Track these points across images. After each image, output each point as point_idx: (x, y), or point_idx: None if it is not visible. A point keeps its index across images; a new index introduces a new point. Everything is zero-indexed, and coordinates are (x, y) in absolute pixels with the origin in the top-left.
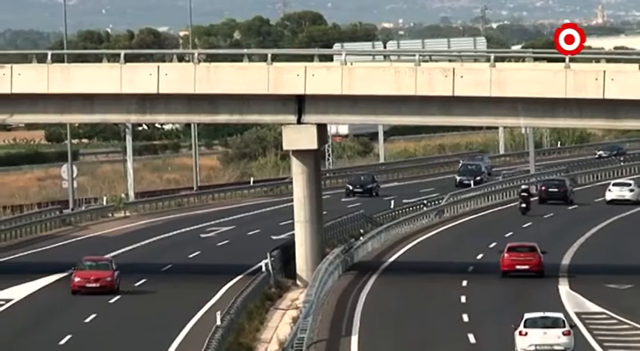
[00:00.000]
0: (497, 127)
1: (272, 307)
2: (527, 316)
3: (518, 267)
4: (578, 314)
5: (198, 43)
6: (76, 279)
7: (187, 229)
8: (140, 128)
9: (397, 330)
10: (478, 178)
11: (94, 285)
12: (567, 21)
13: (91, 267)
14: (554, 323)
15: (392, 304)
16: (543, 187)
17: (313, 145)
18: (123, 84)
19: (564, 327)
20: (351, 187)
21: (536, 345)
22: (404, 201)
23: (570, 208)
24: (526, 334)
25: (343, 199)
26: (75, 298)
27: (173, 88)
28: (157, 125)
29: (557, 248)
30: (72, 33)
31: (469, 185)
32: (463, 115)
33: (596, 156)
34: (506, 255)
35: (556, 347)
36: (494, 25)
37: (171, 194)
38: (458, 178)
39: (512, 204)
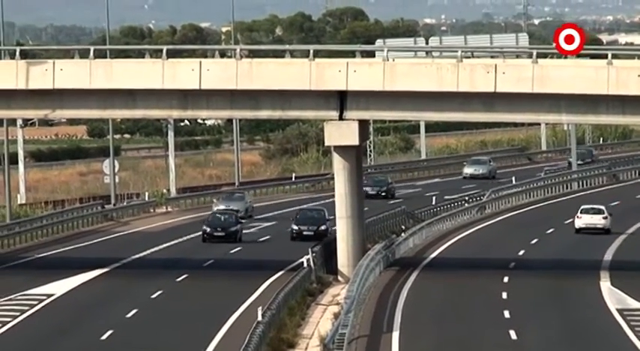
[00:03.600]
0: (539, 123)
1: (313, 302)
2: (582, 207)
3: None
4: (619, 311)
5: (241, 39)
6: None
7: None
8: (182, 124)
9: (438, 326)
10: (323, 227)
11: None
12: (610, 17)
13: None
14: (598, 212)
15: (433, 301)
16: None
17: (355, 141)
18: (165, 80)
19: (604, 214)
20: (208, 230)
21: (586, 224)
22: (445, 197)
23: (613, 204)
24: (581, 217)
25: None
26: (116, 294)
27: (215, 84)
28: (198, 121)
29: (599, 244)
30: (114, 28)
31: (310, 237)
32: (505, 112)
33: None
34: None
35: (598, 225)
36: (537, 22)
37: (213, 190)
38: (295, 227)
39: (554, 200)
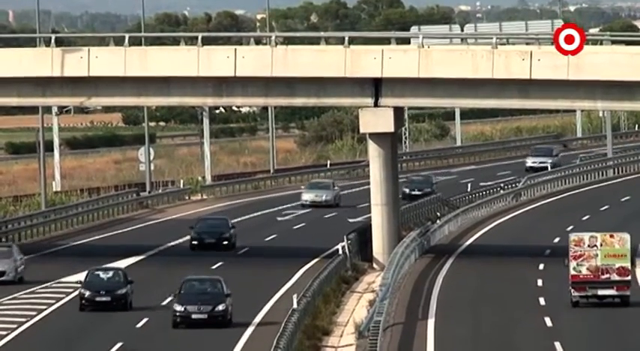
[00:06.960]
0: (574, 110)
1: (348, 290)
2: None
3: None
4: None
5: (276, 26)
6: None
7: (264, 212)
8: (217, 111)
9: (474, 313)
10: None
11: None
12: None
13: None
14: None
15: (468, 288)
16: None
17: (390, 128)
18: (200, 67)
19: None
20: (87, 294)
21: None
22: (481, 184)
23: None
24: None
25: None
26: (151, 281)
27: (250, 71)
28: (233, 108)
29: (634, 231)
30: (149, 16)
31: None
32: (540, 99)
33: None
34: None
35: None
36: (572, 8)
37: (248, 177)
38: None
39: (589, 187)
